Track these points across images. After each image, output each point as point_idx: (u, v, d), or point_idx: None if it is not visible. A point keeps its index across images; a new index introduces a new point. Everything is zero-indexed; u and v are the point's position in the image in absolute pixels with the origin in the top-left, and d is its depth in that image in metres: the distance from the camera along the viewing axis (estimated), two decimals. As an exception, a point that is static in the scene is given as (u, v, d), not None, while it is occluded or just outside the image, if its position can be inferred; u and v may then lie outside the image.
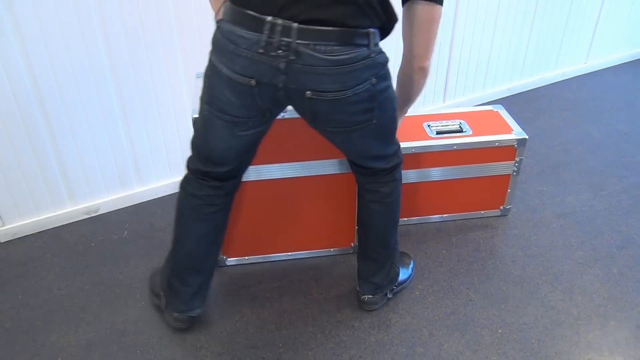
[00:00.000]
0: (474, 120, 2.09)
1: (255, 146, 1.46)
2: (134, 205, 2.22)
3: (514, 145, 1.99)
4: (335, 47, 1.20)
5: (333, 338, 1.68)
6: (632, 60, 3.50)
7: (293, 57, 1.20)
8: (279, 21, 1.18)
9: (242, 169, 1.51)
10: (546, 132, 2.73)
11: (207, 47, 2.04)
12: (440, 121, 2.08)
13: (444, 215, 2.14)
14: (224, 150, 1.41)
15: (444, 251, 2.01)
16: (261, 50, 1.20)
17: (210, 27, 2.01)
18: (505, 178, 2.07)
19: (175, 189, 2.29)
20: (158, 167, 2.22)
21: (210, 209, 1.50)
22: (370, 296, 1.72)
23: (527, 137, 2.00)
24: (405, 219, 2.13)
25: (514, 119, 2.11)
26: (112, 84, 1.95)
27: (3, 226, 2.04)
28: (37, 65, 1.80)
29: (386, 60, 1.32)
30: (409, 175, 2.00)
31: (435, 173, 2.01)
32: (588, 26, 3.12)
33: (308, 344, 1.66)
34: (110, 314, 1.76)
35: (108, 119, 2.01)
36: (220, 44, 1.26)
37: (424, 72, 1.44)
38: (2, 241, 2.05)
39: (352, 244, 1.98)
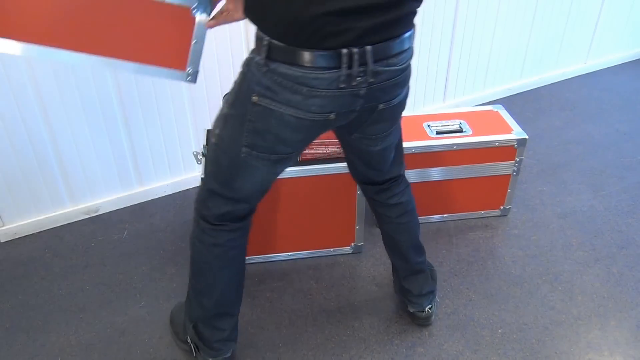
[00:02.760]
0: (474, 120, 2.09)
1: None
2: (134, 205, 2.22)
3: (514, 145, 1.99)
4: (401, 56, 1.20)
5: (333, 338, 1.68)
6: (632, 60, 3.50)
7: (372, 80, 1.17)
8: (354, 50, 1.12)
9: (258, 202, 1.45)
10: (546, 132, 2.73)
11: (208, 45, 2.04)
12: (440, 121, 2.08)
13: (444, 215, 2.14)
14: (255, 189, 1.36)
15: (444, 251, 2.01)
16: (343, 85, 1.15)
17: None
18: (505, 178, 2.07)
19: (175, 188, 2.29)
20: (158, 167, 2.22)
21: (233, 252, 1.44)
22: (430, 307, 1.68)
23: (527, 137, 2.00)
24: (405, 219, 2.13)
25: (514, 119, 2.11)
26: (112, 84, 1.95)
27: (3, 226, 2.04)
28: (37, 66, 1.80)
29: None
30: (409, 175, 2.00)
31: (435, 173, 2.01)
32: (588, 26, 3.12)
33: (308, 344, 1.66)
34: (110, 314, 1.76)
35: (108, 119, 2.01)
36: (285, 88, 1.16)
37: None
38: (2, 241, 2.05)
39: (352, 244, 1.98)
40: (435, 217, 2.14)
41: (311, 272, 1.92)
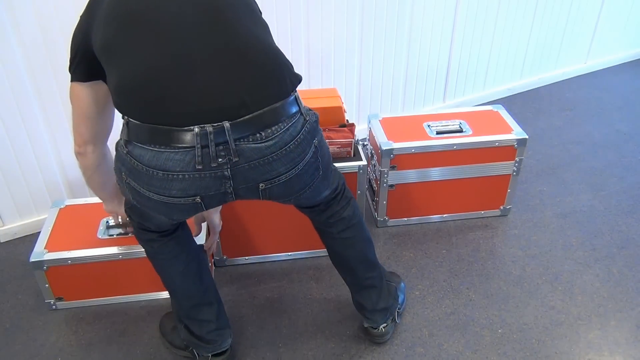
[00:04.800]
0: (474, 120, 2.09)
1: None
2: (134, 205, 2.22)
3: (514, 145, 1.99)
4: (274, 128, 1.10)
5: (333, 338, 1.68)
6: (632, 60, 3.50)
7: (236, 159, 1.09)
8: (208, 127, 1.05)
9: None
10: (546, 132, 2.73)
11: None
12: (440, 121, 2.08)
13: (444, 215, 2.14)
14: (166, 226, 1.37)
15: (444, 251, 2.01)
16: (199, 167, 1.08)
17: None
18: (505, 178, 2.07)
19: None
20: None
21: (171, 244, 1.43)
22: (385, 325, 1.59)
23: (527, 137, 2.00)
24: (405, 219, 2.13)
25: (514, 119, 2.11)
26: (112, 84, 1.95)
27: (3, 226, 2.04)
28: (37, 65, 1.80)
29: (317, 116, 1.23)
30: (409, 175, 2.01)
31: (435, 173, 2.01)
32: (588, 26, 3.12)
33: (308, 344, 1.66)
34: (110, 314, 1.76)
35: (108, 119, 2.01)
36: (142, 174, 1.11)
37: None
38: (2, 241, 2.05)
39: (352, 244, 1.98)
40: (435, 217, 2.14)
41: (311, 272, 1.92)
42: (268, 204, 1.81)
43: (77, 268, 1.69)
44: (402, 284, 1.78)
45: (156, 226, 1.38)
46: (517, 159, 2.02)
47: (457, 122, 2.08)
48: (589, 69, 3.34)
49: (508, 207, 2.16)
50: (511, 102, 2.97)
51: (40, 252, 1.68)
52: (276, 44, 1.18)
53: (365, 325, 1.62)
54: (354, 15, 2.29)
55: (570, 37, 3.09)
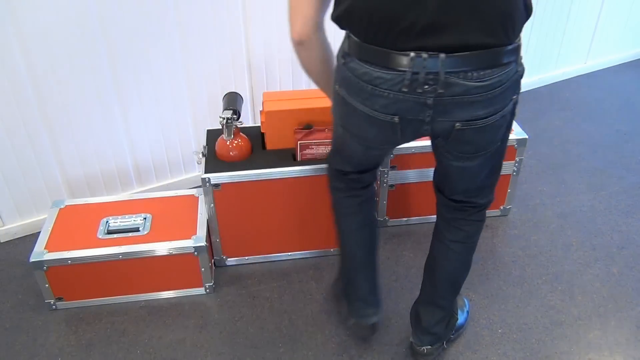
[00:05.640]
0: (474, 120, 2.09)
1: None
2: (134, 205, 2.22)
3: (514, 145, 1.99)
4: (487, 72, 1.10)
5: (333, 338, 1.68)
6: (632, 60, 3.50)
7: (441, 91, 1.10)
8: (424, 54, 1.07)
9: (378, 166, 1.50)
10: (546, 132, 2.73)
11: (208, 46, 2.05)
12: (440, 121, 2.08)
13: (444, 215, 2.14)
14: (360, 159, 1.40)
15: (444, 251, 2.01)
16: (405, 89, 1.11)
17: (210, 27, 2.01)
18: (505, 178, 2.07)
19: (175, 189, 2.29)
20: (158, 167, 2.22)
21: (355, 200, 1.50)
22: (429, 347, 1.57)
23: (527, 137, 2.00)
24: (405, 219, 2.13)
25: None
26: (112, 84, 1.95)
27: (3, 226, 2.04)
28: (37, 65, 1.80)
29: (524, 71, 1.21)
30: (409, 175, 2.00)
31: (435, 173, 2.00)
32: (588, 26, 3.12)
33: (308, 344, 1.66)
34: (110, 314, 1.76)
35: (108, 119, 2.01)
36: (353, 84, 1.18)
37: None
38: (2, 241, 2.05)
39: (352, 244, 1.98)
40: (435, 217, 2.14)
41: (311, 272, 1.92)
42: (267, 203, 1.81)
43: (77, 268, 1.69)
44: (467, 302, 1.76)
45: (353, 166, 1.43)
46: (517, 159, 2.02)
47: (457, 122, 2.07)
48: (589, 69, 3.34)
49: (508, 207, 2.16)
50: (511, 102, 2.97)
51: (40, 252, 1.68)
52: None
53: (411, 339, 1.61)
54: (354, 15, 2.29)
55: (570, 37, 3.09)
